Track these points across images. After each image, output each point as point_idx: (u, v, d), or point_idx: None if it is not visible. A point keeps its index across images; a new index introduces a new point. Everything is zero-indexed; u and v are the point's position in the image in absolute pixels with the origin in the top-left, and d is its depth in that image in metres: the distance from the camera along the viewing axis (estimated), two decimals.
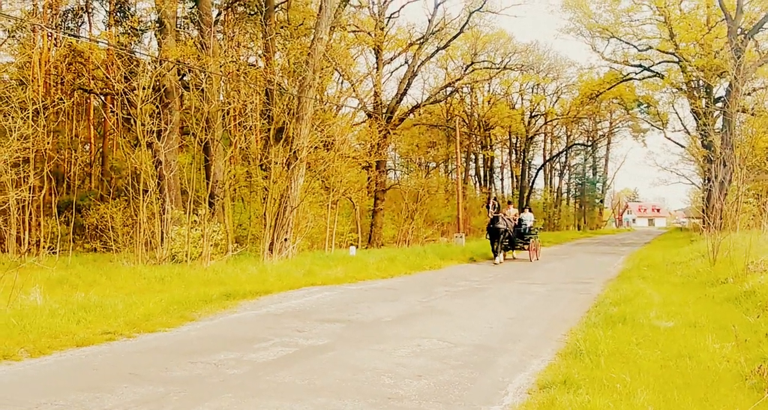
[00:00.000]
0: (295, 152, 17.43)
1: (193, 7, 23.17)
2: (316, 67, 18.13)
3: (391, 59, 32.76)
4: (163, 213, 16.07)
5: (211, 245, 15.33)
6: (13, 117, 16.38)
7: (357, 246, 22.93)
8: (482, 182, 52.50)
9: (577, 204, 67.63)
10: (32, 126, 17.20)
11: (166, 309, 9.16)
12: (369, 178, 29.29)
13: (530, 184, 55.10)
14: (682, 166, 46.75)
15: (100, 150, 30.12)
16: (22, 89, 18.99)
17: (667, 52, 33.86)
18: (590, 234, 54.26)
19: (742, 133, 27.18)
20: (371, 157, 27.37)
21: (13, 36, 25.39)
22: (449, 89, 38.19)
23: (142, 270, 13.09)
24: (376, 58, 31.54)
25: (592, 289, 12.88)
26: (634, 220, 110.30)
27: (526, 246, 21.50)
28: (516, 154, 55.85)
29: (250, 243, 19.33)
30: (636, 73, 37.97)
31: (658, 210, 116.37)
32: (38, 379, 5.79)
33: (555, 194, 62.08)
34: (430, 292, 12.38)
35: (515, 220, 21.56)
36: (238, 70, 21.31)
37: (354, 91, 31.76)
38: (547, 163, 59.74)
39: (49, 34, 25.90)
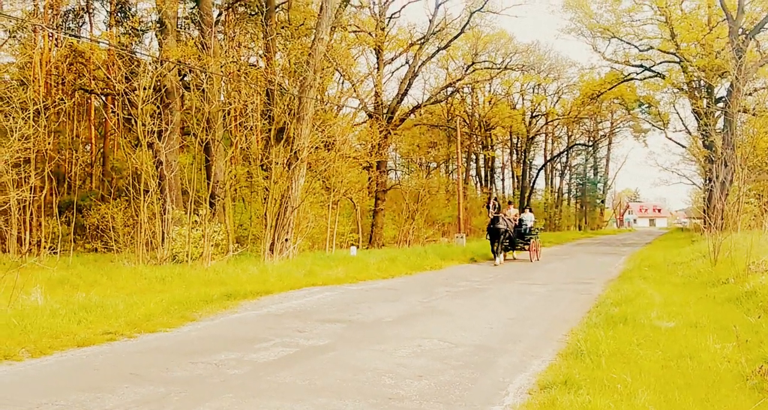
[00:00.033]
0: (295, 152, 17.44)
1: (193, 7, 23.19)
2: (316, 67, 18.14)
3: (392, 59, 32.78)
4: (164, 214, 16.08)
5: (212, 245, 15.33)
6: (14, 117, 16.39)
7: (358, 247, 22.93)
8: (483, 182, 52.52)
9: (578, 204, 67.60)
10: (33, 126, 17.21)
11: (166, 309, 9.17)
12: (370, 179, 29.28)
13: (531, 184, 55.10)
14: (683, 167, 46.88)
15: (101, 150, 30.14)
16: (23, 89, 19.00)
17: (668, 52, 33.83)
18: (591, 234, 54.23)
19: (744, 133, 27.17)
20: (372, 157, 27.37)
21: (14, 36, 25.42)
22: (450, 89, 38.20)
23: (142, 271, 13.10)
24: (377, 58, 31.54)
25: (593, 290, 12.87)
26: (635, 221, 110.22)
27: (526, 247, 21.48)
28: (517, 154, 55.84)
29: (251, 244, 19.34)
30: (637, 73, 37.96)
31: (659, 211, 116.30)
32: (39, 379, 5.79)
33: (556, 194, 62.06)
34: (431, 293, 12.37)
35: (515, 220, 21.54)
36: (238, 71, 21.32)
37: (355, 91, 31.78)
38: (548, 163, 59.72)
39: (50, 35, 25.92)
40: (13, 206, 17.03)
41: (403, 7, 50.68)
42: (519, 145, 54.98)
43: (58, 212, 20.73)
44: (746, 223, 21.20)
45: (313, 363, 6.41)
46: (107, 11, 28.92)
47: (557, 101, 51.96)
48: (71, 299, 9.23)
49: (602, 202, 73.21)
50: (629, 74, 38.42)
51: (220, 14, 26.76)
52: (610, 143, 64.58)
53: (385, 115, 29.74)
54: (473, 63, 37.03)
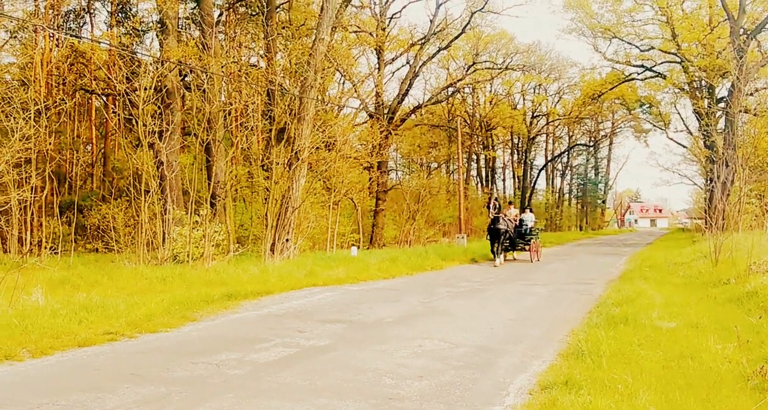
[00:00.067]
0: (296, 153, 17.44)
1: (194, 7, 23.20)
2: (317, 67, 18.14)
3: (393, 60, 32.80)
4: (165, 214, 16.08)
5: (213, 245, 15.34)
6: (15, 117, 16.38)
7: (358, 247, 22.93)
8: (484, 182, 52.52)
9: (579, 204, 67.56)
10: (34, 126, 17.21)
11: (167, 309, 9.17)
12: (370, 179, 29.29)
13: (532, 185, 55.09)
14: (684, 167, 46.87)
15: (102, 150, 30.16)
16: (24, 90, 19.01)
17: (669, 53, 33.82)
18: (592, 234, 54.22)
19: (745, 133, 27.13)
20: (373, 157, 27.37)
21: (15, 37, 25.44)
22: (451, 89, 38.19)
23: (143, 271, 13.10)
24: (378, 58, 31.55)
25: (594, 290, 12.87)
26: (636, 221, 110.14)
27: (527, 247, 21.45)
28: (518, 154, 55.82)
29: (252, 244, 19.36)
30: (638, 74, 37.93)
31: (660, 211, 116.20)
32: (40, 379, 5.79)
33: (557, 195, 62.02)
34: (432, 293, 12.37)
35: (516, 221, 21.51)
36: (239, 71, 21.33)
37: (355, 91, 31.80)
38: (549, 164, 59.70)
39: (51, 35, 25.94)
40: (14, 206, 17.03)
41: (404, 7, 50.61)
42: (520, 146, 54.97)
43: (59, 212, 20.74)
44: (747, 224, 21.19)
45: (314, 364, 6.40)
46: (108, 11, 28.96)
47: (558, 101, 51.98)
48: (72, 299, 9.23)
49: (603, 202, 73.20)
50: (630, 74, 38.40)
51: (220, 14, 26.78)
52: (611, 143, 64.62)
53: (385, 115, 29.74)
54: (474, 63, 37.01)
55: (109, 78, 20.89)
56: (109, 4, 28.50)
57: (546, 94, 51.40)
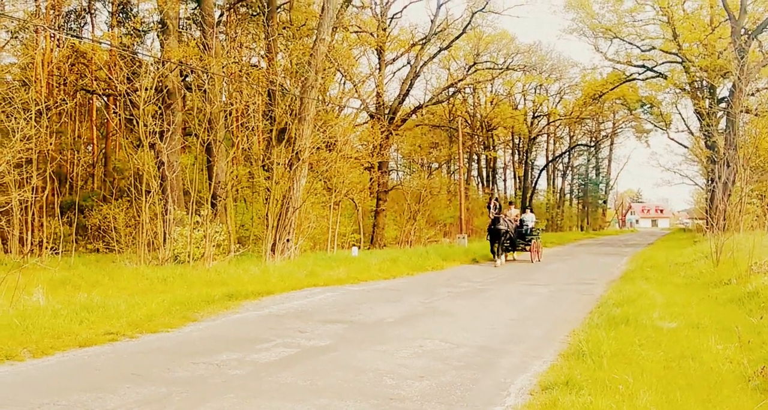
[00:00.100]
0: (297, 153, 17.44)
1: (195, 8, 23.22)
2: (318, 67, 18.14)
3: (394, 60, 32.80)
4: (166, 214, 16.08)
5: (214, 246, 15.34)
6: (16, 118, 16.40)
7: (359, 247, 22.92)
8: (485, 183, 52.51)
9: (580, 205, 67.52)
10: (35, 127, 17.23)
11: (168, 309, 9.17)
12: (371, 179, 29.28)
13: (533, 185, 55.07)
14: (685, 167, 46.83)
15: (103, 151, 30.18)
16: (25, 90, 19.01)
17: (670, 53, 33.81)
18: (593, 235, 54.19)
19: (746, 133, 27.09)
20: (373, 157, 27.37)
21: (16, 37, 25.46)
22: (452, 90, 38.19)
23: (144, 271, 13.10)
24: (379, 58, 31.54)
25: (595, 290, 12.86)
26: (637, 221, 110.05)
27: (527, 247, 21.44)
28: (519, 154, 55.81)
29: (253, 244, 19.36)
30: (639, 74, 37.93)
31: (661, 211, 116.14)
32: (41, 379, 5.79)
33: (558, 195, 61.99)
34: (433, 293, 12.37)
35: (516, 221, 21.48)
36: (240, 71, 21.33)
37: (356, 91, 31.80)
38: (550, 164, 59.68)
39: (52, 35, 25.96)
40: (15, 206, 17.04)
41: (405, 7, 50.68)
42: (521, 146, 54.95)
43: (59, 212, 20.75)
44: (748, 224, 21.17)
45: (315, 364, 6.40)
46: (109, 12, 28.98)
47: (559, 101, 51.96)
48: (73, 299, 9.23)
49: (604, 202, 73.16)
50: (631, 74, 38.40)
51: (221, 15, 26.78)
52: (612, 143, 64.58)
53: (386, 116, 29.74)
54: (475, 63, 37.00)
55: (110, 78, 20.90)
56: (110, 4, 28.53)
57: (547, 94, 51.41)
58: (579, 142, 60.88)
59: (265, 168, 20.19)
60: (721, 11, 30.32)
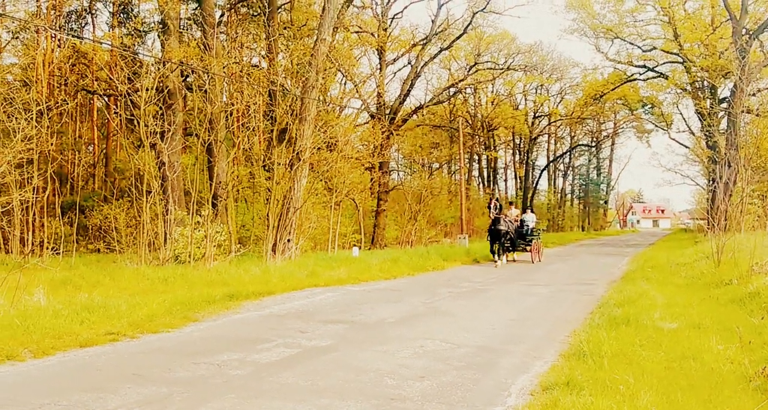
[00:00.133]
0: (298, 153, 17.44)
1: (196, 8, 23.21)
2: (319, 68, 18.15)
3: (395, 60, 32.78)
4: (167, 214, 16.09)
5: (215, 246, 15.34)
6: (17, 118, 16.42)
7: (360, 248, 22.92)
8: (486, 183, 52.50)
9: (581, 205, 67.49)
10: (36, 127, 17.24)
11: (169, 309, 9.17)
12: (372, 179, 29.27)
13: (534, 185, 55.05)
14: (686, 167, 46.79)
15: (104, 151, 30.20)
16: (26, 90, 19.04)
17: (671, 53, 33.79)
18: (594, 235, 54.18)
19: (747, 133, 27.08)
20: (374, 157, 27.37)
21: (17, 37, 25.50)
22: (452, 90, 38.19)
23: (145, 271, 13.10)
24: (379, 58, 31.54)
25: (596, 291, 12.85)
26: (638, 221, 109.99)
27: (528, 248, 21.43)
28: (519, 154, 55.80)
29: (253, 244, 19.36)
30: (640, 74, 37.90)
31: (662, 212, 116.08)
32: (42, 380, 5.80)
33: (559, 195, 61.97)
34: (433, 293, 12.36)
35: (517, 221, 21.44)
36: (241, 71, 21.34)
37: (357, 91, 31.80)
38: (551, 164, 59.66)
39: (53, 36, 25.98)
40: (16, 207, 17.05)
41: (406, 7, 50.43)
42: (522, 146, 54.94)
43: (60, 213, 20.77)
44: (750, 224, 21.16)
45: (316, 364, 6.40)
46: (110, 12, 28.99)
47: (560, 102, 51.94)
48: (74, 300, 9.23)
49: (605, 202, 73.14)
50: (632, 75, 38.38)
51: (222, 15, 26.80)
52: (613, 144, 64.58)
53: (387, 116, 29.74)
54: (476, 63, 36.98)
55: (110, 78, 20.90)
56: (111, 4, 28.54)
57: (548, 94, 51.39)
58: (580, 143, 60.87)
59: (266, 168, 20.19)
60: (722, 11, 30.30)
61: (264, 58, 26.53)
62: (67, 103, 22.06)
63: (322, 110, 24.10)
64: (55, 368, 6.22)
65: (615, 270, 17.83)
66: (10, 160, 15.96)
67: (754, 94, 29.46)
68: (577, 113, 48.40)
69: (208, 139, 17.67)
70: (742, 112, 26.24)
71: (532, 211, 24.29)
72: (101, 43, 25.20)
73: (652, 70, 36.50)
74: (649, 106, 42.22)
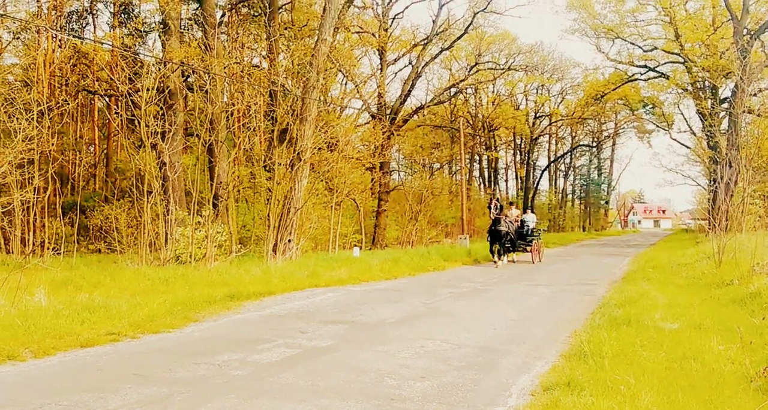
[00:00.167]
0: (298, 153, 17.45)
1: (197, 8, 23.22)
2: (320, 68, 18.15)
3: (395, 60, 32.79)
4: (168, 215, 16.10)
5: (215, 246, 15.35)
6: (17, 118, 16.42)
7: (361, 248, 22.92)
8: (486, 183, 52.48)
9: (582, 205, 67.45)
10: (37, 127, 17.25)
11: (170, 310, 9.17)
12: (373, 179, 29.29)
13: (535, 185, 55.02)
14: (687, 167, 46.70)
15: (105, 151, 30.22)
16: (27, 91, 19.05)
17: (672, 53, 33.77)
18: (595, 235, 54.15)
19: (748, 134, 27.07)
20: (375, 158, 27.37)
21: (18, 37, 25.51)
22: (453, 90, 38.17)
23: (146, 272, 13.11)
24: (380, 59, 31.55)
25: (597, 291, 12.84)
26: (639, 222, 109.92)
27: (528, 248, 21.41)
28: (520, 155, 55.77)
29: (254, 245, 19.36)
30: (641, 74, 37.88)
31: (663, 212, 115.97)
32: (42, 380, 5.80)
33: (560, 195, 61.94)
34: (434, 294, 12.36)
35: (517, 222, 21.40)
36: (242, 72, 21.34)
37: (358, 92, 31.81)
38: (552, 164, 59.63)
39: (54, 36, 26.00)
40: (17, 207, 17.06)
41: (407, 7, 50.47)
42: (522, 146, 54.91)
43: (61, 213, 20.78)
44: (751, 224, 21.14)
45: (316, 364, 6.40)
46: (111, 12, 29.00)
47: (561, 102, 51.91)
48: (75, 300, 9.23)
49: (606, 203, 73.10)
50: (633, 75, 38.36)
51: (223, 15, 26.82)
52: (614, 144, 64.52)
53: (388, 116, 29.74)
54: (476, 64, 36.98)
55: (111, 79, 20.91)
56: (112, 5, 28.55)
57: (549, 94, 51.36)
58: (581, 143, 60.83)
59: (267, 168, 20.19)
60: (723, 11, 30.28)
61: (265, 58, 26.54)
62: (68, 104, 22.08)
63: (322, 110, 24.11)
64: (56, 368, 6.22)
65: (616, 271, 17.82)
66: (11, 161, 15.97)
67: (755, 95, 29.46)
68: (578, 113, 48.35)
69: (209, 140, 17.67)
70: (744, 112, 26.22)
71: (532, 212, 24.27)
72: (102, 44, 25.21)
73: (653, 70, 36.48)
74: (650, 106, 42.21)
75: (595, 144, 62.27)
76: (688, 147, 40.32)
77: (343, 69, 29.29)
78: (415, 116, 36.92)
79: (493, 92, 47.96)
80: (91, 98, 29.50)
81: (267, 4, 22.95)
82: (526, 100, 52.33)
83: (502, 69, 38.40)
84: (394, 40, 32.13)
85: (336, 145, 22.24)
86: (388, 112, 30.29)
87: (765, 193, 25.07)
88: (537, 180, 55.88)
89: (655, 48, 35.15)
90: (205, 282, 12.55)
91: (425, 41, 31.16)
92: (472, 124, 46.23)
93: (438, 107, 40.99)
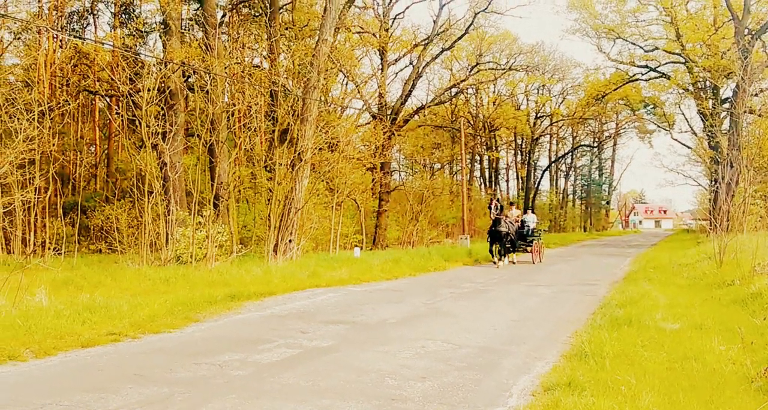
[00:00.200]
0: (299, 153, 17.45)
1: (197, 8, 23.23)
2: (320, 68, 18.15)
3: (396, 60, 32.76)
4: (168, 215, 16.10)
5: (216, 246, 15.35)
6: (18, 119, 16.44)
7: (361, 248, 22.92)
8: (487, 183, 52.44)
9: (583, 205, 67.43)
10: (38, 127, 17.27)
11: (170, 310, 9.18)
12: (373, 180, 29.28)
13: (536, 186, 55.01)
14: (688, 168, 46.55)
15: (106, 151, 30.23)
16: (28, 91, 19.07)
17: (673, 53, 33.75)
18: (596, 235, 54.15)
19: (750, 134, 27.05)
20: (376, 158, 27.36)
21: (19, 38, 25.53)
22: (454, 90, 38.15)
23: (146, 272, 13.12)
24: (381, 59, 31.54)
25: (598, 291, 12.84)
26: (640, 222, 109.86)
27: (528, 248, 21.39)
28: (521, 155, 55.75)
29: (255, 245, 19.36)
30: (642, 74, 37.85)
31: (664, 212, 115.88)
32: (43, 380, 5.80)
33: (561, 195, 61.91)
34: (435, 294, 12.36)
35: (518, 222, 21.37)
36: (242, 72, 21.34)
37: (359, 92, 31.80)
38: (553, 165, 59.61)
39: (55, 36, 26.02)
40: (18, 207, 17.08)
41: (407, 8, 50.47)
42: (523, 146, 54.90)
43: (62, 213, 20.79)
44: (752, 225, 21.10)
45: (317, 365, 6.40)
46: (111, 13, 29.02)
47: (562, 102, 51.87)
48: (75, 300, 9.24)
49: (607, 203, 73.05)
50: (634, 75, 38.34)
51: (224, 15, 26.81)
52: (615, 144, 64.51)
53: (389, 116, 29.73)
54: (477, 64, 36.95)
55: (112, 79, 20.91)
56: (113, 5, 28.57)
57: (550, 94, 51.33)
58: (582, 143, 60.81)
59: (268, 169, 20.20)
60: (724, 11, 30.26)
61: (265, 58, 26.52)
62: (69, 104, 22.11)
63: (323, 110, 24.12)
64: (57, 368, 6.23)
65: (617, 271, 17.81)
66: (12, 161, 15.99)
67: (756, 95, 29.43)
68: (579, 113, 48.32)
69: (210, 140, 17.68)
70: (745, 112, 26.20)
71: (533, 212, 24.25)
72: (103, 44, 25.23)
73: (654, 70, 36.45)
74: (651, 106, 42.16)
75: (596, 144, 62.26)
76: (689, 147, 40.27)
77: (344, 69, 29.28)
78: (416, 116, 36.90)
79: (494, 92, 47.96)
80: (92, 98, 29.52)
81: (268, 5, 22.95)
82: (527, 100, 52.37)
83: (503, 69, 38.37)
84: (394, 40, 32.12)
85: (337, 145, 22.24)
86: (389, 112, 30.28)
87: (766, 194, 25.05)
88: (538, 180, 55.90)
89: (656, 48, 35.13)
90: (205, 283, 12.55)
91: (426, 41, 31.15)
92: (473, 124, 46.22)
93: (439, 107, 40.98)
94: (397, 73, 42.39)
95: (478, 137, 47.34)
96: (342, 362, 6.54)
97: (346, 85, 33.15)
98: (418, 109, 35.65)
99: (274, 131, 19.63)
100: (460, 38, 32.14)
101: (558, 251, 28.39)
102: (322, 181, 22.15)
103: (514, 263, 20.65)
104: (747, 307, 9.25)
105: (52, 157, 20.09)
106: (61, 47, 27.11)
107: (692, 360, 6.17)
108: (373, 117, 30.86)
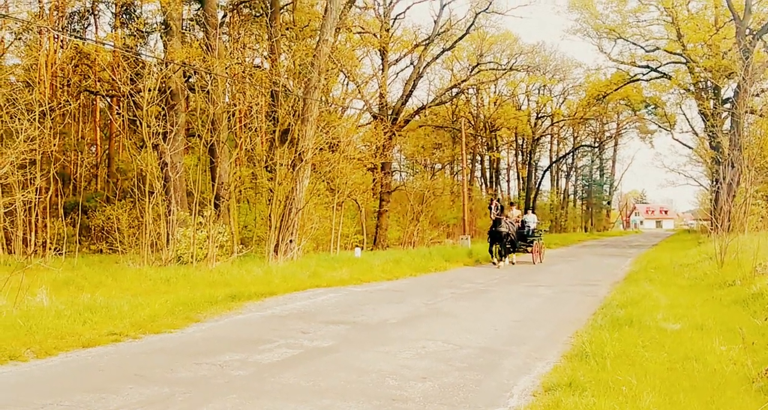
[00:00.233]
0: (300, 154, 17.45)
1: (198, 9, 23.25)
2: (321, 68, 18.15)
3: (397, 60, 32.76)
4: (169, 215, 16.11)
5: (217, 246, 15.36)
6: (19, 119, 16.45)
7: (362, 248, 22.92)
8: (488, 184, 52.41)
9: (584, 205, 67.39)
10: (39, 128, 17.28)
11: (171, 310, 9.18)
12: (374, 180, 29.28)
13: (537, 186, 54.97)
14: (689, 168, 46.38)
15: (106, 151, 30.25)
16: (29, 91, 19.07)
17: (674, 53, 33.71)
18: (597, 236, 54.12)
19: (751, 134, 27.01)
20: (376, 158, 27.36)
21: (20, 38, 25.55)
22: (455, 90, 38.14)
23: (147, 272, 13.12)
24: (382, 59, 31.53)
25: (599, 291, 12.83)
26: (641, 222, 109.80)
27: (529, 249, 21.38)
28: (522, 155, 55.71)
29: (256, 245, 19.37)
30: (643, 74, 37.82)
31: (665, 212, 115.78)
32: (44, 380, 5.81)
33: (562, 196, 61.87)
34: (436, 294, 12.35)
35: (518, 222, 21.35)
36: (243, 72, 21.35)
37: (359, 92, 31.80)
38: (554, 165, 59.55)
39: (56, 37, 26.03)
40: (19, 207, 17.08)
41: (408, 8, 50.62)
42: (524, 147, 54.85)
43: (63, 213, 20.79)
44: (753, 225, 21.11)
45: (317, 365, 6.40)
46: (112, 13, 29.05)
47: (563, 102, 51.82)
48: (76, 300, 9.25)
49: (608, 203, 73.00)
50: (635, 75, 38.29)
51: (224, 16, 26.81)
52: (616, 144, 64.49)
53: (389, 116, 29.73)
54: (478, 64, 36.94)
55: (113, 79, 20.94)
56: (114, 5, 28.58)
57: (551, 94, 51.27)
58: (583, 143, 60.77)
59: (268, 169, 20.21)
60: (725, 11, 30.23)
61: (266, 58, 26.53)
62: (70, 104, 22.13)
63: (324, 111, 24.10)
64: (58, 368, 6.23)
65: (618, 271, 17.80)
66: (13, 161, 16.00)
67: (757, 95, 29.41)
68: (579, 114, 48.28)
69: (211, 140, 17.68)
70: (746, 112, 26.18)
71: (533, 212, 24.24)
72: (104, 44, 25.25)
73: (655, 70, 36.42)
74: (652, 106, 42.11)
75: (597, 144, 62.22)
76: (690, 147, 40.19)
77: (345, 69, 29.28)
78: (417, 116, 36.89)
79: (494, 92, 47.93)
80: (93, 99, 29.54)
81: (268, 5, 22.96)
82: (528, 100, 52.32)
83: (504, 69, 38.36)
84: (395, 40, 32.11)
85: (337, 145, 22.24)
86: (390, 112, 30.27)
87: (767, 194, 25.04)
88: (539, 180, 55.86)
89: (657, 48, 35.10)
90: (206, 283, 12.55)
91: (427, 41, 31.14)
92: (474, 124, 46.21)
93: (439, 107, 40.96)
94: (397, 74, 42.43)
95: (479, 137, 47.32)
96: (343, 362, 6.54)
97: (347, 85, 33.20)
98: (418, 109, 35.64)
99: (274, 131, 19.65)
100: (461, 38, 32.14)
101: (559, 251, 28.39)
102: (323, 181, 22.16)
103: (513, 263, 20.53)
104: (748, 308, 9.24)
105: (53, 157, 20.10)
106: (62, 47, 27.14)
107: (693, 361, 6.16)
108: (374, 117, 30.86)
